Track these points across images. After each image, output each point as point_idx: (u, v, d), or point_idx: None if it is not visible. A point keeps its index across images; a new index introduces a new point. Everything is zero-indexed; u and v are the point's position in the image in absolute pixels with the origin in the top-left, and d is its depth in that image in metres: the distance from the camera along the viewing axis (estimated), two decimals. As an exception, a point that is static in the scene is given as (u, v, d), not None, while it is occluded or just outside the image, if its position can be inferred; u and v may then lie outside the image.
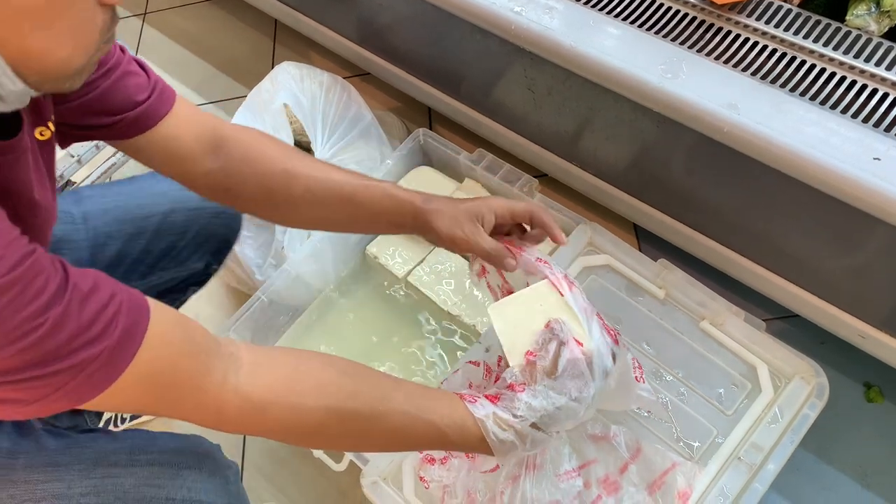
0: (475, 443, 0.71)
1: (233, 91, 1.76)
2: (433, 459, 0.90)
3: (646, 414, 1.01)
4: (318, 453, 1.07)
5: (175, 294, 1.03)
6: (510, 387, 0.75)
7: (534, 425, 0.72)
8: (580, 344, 0.76)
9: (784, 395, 0.98)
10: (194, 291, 1.06)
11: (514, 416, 0.71)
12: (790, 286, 1.02)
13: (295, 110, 1.31)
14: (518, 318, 0.81)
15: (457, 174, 1.31)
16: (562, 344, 0.75)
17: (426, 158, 1.35)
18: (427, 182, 1.29)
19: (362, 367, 0.70)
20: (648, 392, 0.89)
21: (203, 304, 1.42)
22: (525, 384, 0.75)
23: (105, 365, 0.52)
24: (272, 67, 1.40)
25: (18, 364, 0.48)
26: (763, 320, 1.02)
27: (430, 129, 1.52)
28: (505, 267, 0.82)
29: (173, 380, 0.57)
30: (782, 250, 0.99)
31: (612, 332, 0.81)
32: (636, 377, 0.89)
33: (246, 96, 1.39)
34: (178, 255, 0.98)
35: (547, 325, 0.77)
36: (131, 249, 0.94)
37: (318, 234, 1.24)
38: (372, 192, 0.83)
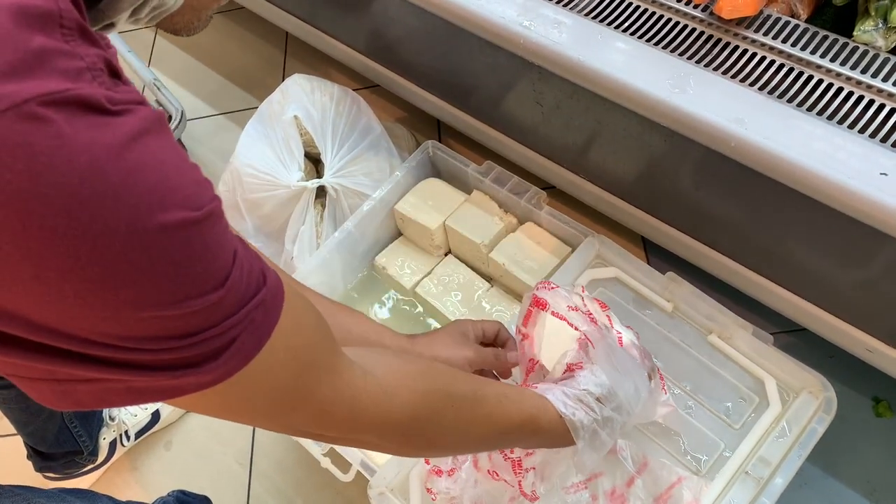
0: (562, 429, 0.72)
1: (243, 103, 1.78)
2: (440, 471, 0.91)
3: (660, 420, 1.00)
4: (326, 463, 1.07)
5: None
6: (569, 367, 0.80)
7: (600, 401, 0.75)
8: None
9: (792, 409, 0.98)
10: None
11: (580, 390, 0.74)
12: (798, 300, 1.02)
13: (305, 122, 1.33)
14: (549, 332, 0.84)
15: (465, 186, 1.31)
16: (608, 329, 0.82)
17: (435, 170, 1.36)
18: (435, 194, 1.30)
19: None
20: (670, 402, 0.91)
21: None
22: (582, 363, 0.79)
23: (265, 317, 0.45)
24: (283, 79, 1.41)
25: (200, 323, 0.41)
26: (771, 334, 1.02)
27: (439, 140, 1.53)
28: (509, 363, 0.91)
29: (313, 357, 0.52)
30: (790, 264, 0.99)
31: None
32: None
33: (257, 108, 1.40)
34: None
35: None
36: None
37: (327, 245, 1.25)
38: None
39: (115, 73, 0.39)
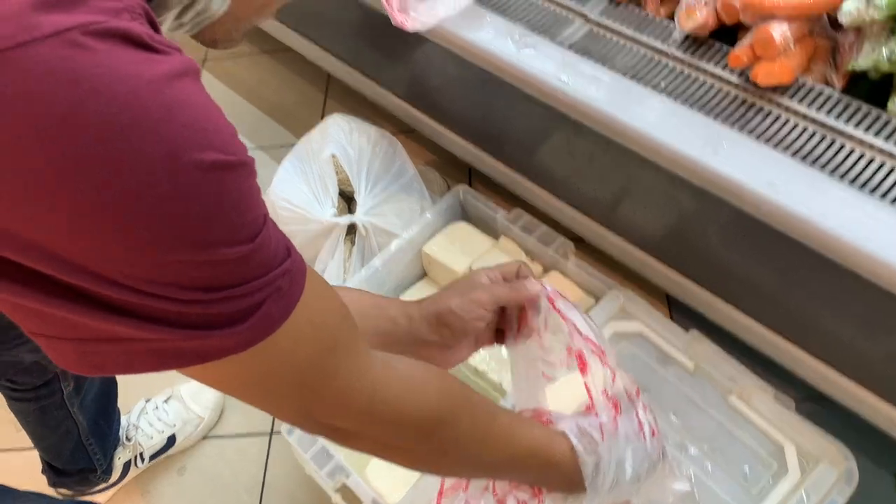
0: (573, 465, 0.69)
1: (281, 139, 1.82)
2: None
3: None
4: (338, 499, 1.07)
5: None
6: (587, 408, 0.77)
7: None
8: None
9: (811, 477, 0.96)
10: None
11: (594, 424, 0.72)
12: (822, 367, 1.01)
13: (342, 161, 1.36)
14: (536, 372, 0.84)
15: (493, 231, 1.33)
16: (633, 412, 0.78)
17: (464, 214, 1.38)
18: (463, 237, 1.32)
19: None
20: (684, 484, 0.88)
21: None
22: (597, 413, 0.77)
23: (290, 286, 0.45)
24: (321, 118, 1.45)
25: (226, 276, 0.40)
26: (793, 399, 1.01)
27: (470, 185, 1.55)
28: (528, 292, 0.78)
29: (336, 337, 0.51)
30: (816, 330, 0.99)
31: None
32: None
33: (293, 144, 1.44)
34: None
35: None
36: None
37: (353, 281, 1.27)
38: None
39: (154, 25, 0.40)
